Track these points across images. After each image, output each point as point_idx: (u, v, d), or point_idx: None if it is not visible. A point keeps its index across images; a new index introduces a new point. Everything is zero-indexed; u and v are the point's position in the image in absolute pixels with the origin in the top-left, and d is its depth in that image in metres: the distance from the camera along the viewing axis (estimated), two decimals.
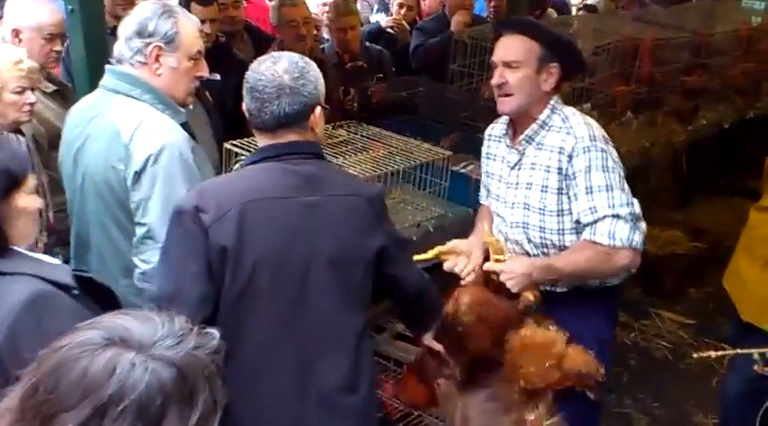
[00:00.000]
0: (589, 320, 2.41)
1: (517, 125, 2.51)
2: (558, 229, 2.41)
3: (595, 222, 2.30)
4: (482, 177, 2.77)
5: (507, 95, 2.41)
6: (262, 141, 2.02)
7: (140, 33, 2.22)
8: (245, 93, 1.97)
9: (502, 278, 2.34)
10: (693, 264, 4.99)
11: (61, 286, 1.66)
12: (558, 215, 2.39)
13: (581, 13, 6.68)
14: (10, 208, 1.69)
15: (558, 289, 2.48)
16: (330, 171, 2.08)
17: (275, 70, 1.92)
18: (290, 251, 1.89)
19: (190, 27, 2.29)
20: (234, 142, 2.79)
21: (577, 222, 2.36)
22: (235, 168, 2.62)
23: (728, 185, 6.16)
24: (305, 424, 1.94)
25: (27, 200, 1.74)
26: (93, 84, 2.75)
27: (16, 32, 3.02)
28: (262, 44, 4.20)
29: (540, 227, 2.43)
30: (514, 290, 2.34)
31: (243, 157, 2.64)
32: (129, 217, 2.22)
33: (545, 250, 2.46)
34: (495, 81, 2.43)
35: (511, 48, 2.40)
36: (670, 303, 4.79)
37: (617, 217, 2.29)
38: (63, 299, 1.62)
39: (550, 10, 6.14)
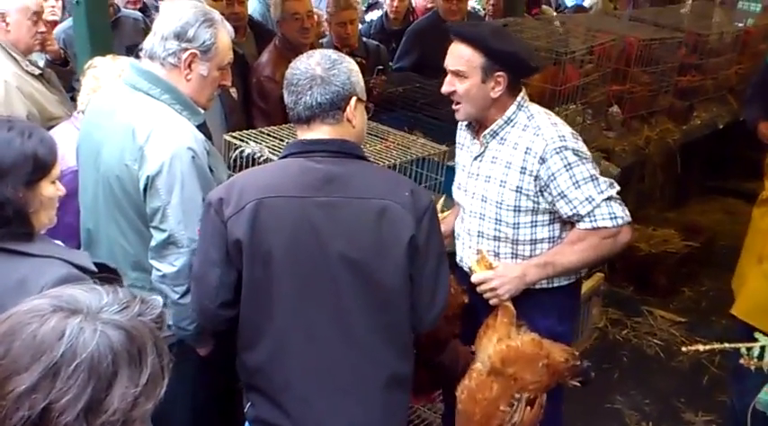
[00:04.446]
0: (534, 317, 2.43)
1: (480, 121, 2.53)
2: (514, 223, 2.45)
3: (593, 210, 2.37)
4: None
5: (458, 102, 2.44)
6: (299, 135, 2.06)
7: (179, 36, 2.21)
8: (284, 90, 2.02)
9: (492, 284, 2.37)
10: (686, 263, 5.04)
11: (83, 270, 1.72)
12: (515, 210, 2.43)
13: None
14: (36, 197, 1.73)
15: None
16: (359, 172, 1.99)
17: (308, 63, 1.98)
18: (300, 248, 1.93)
19: (225, 39, 2.31)
20: (233, 133, 2.82)
21: (572, 216, 2.39)
22: (231, 158, 2.65)
23: (722, 186, 6.22)
24: (322, 408, 1.97)
25: (52, 190, 1.79)
26: None
27: (2, 16, 3.07)
28: (264, 38, 4.24)
29: (497, 220, 2.46)
30: (505, 298, 2.37)
31: (240, 148, 2.66)
32: (138, 213, 2.25)
33: (497, 243, 2.49)
34: (444, 88, 2.45)
35: (455, 56, 2.40)
36: (662, 301, 4.83)
37: (610, 199, 2.39)
38: (89, 283, 1.66)
39: (546, 7, 6.18)
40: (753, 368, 1.94)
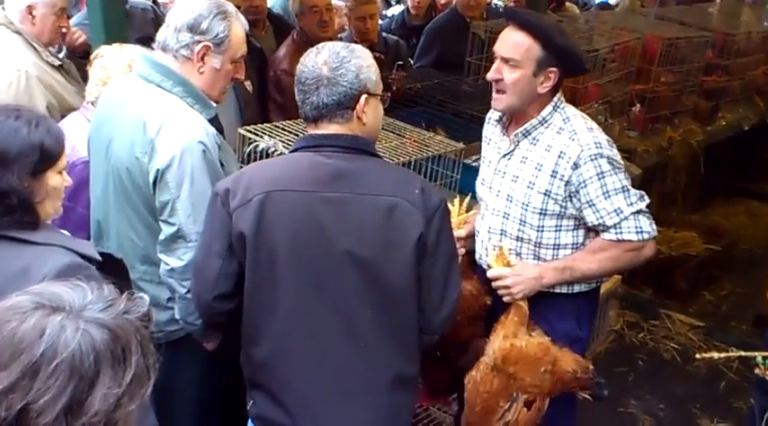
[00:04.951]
0: (553, 320, 2.40)
1: (513, 117, 2.46)
2: (538, 226, 2.39)
3: (620, 222, 2.32)
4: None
5: (501, 91, 2.34)
6: (309, 131, 2.03)
7: (192, 28, 2.20)
8: (295, 87, 1.99)
9: (506, 282, 2.33)
10: (707, 266, 4.96)
11: (88, 259, 1.71)
12: (541, 213, 2.37)
13: None
14: (42, 187, 1.72)
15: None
16: (369, 168, 1.96)
17: (315, 61, 1.92)
18: (306, 243, 1.90)
19: (239, 32, 2.28)
20: (247, 127, 2.81)
21: (598, 225, 2.34)
22: (246, 152, 2.63)
23: (746, 188, 6.11)
24: (323, 406, 1.94)
25: (58, 180, 1.78)
26: None
27: (30, 9, 3.08)
28: (283, 32, 4.22)
29: (521, 221, 2.41)
30: (518, 296, 2.34)
31: (255, 142, 2.65)
32: (148, 206, 2.24)
33: (520, 243, 2.44)
34: (490, 75, 2.34)
35: (511, 44, 2.28)
36: (681, 304, 4.75)
37: (639, 212, 2.33)
38: (92, 272, 1.66)
39: (570, 5, 6.11)
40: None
